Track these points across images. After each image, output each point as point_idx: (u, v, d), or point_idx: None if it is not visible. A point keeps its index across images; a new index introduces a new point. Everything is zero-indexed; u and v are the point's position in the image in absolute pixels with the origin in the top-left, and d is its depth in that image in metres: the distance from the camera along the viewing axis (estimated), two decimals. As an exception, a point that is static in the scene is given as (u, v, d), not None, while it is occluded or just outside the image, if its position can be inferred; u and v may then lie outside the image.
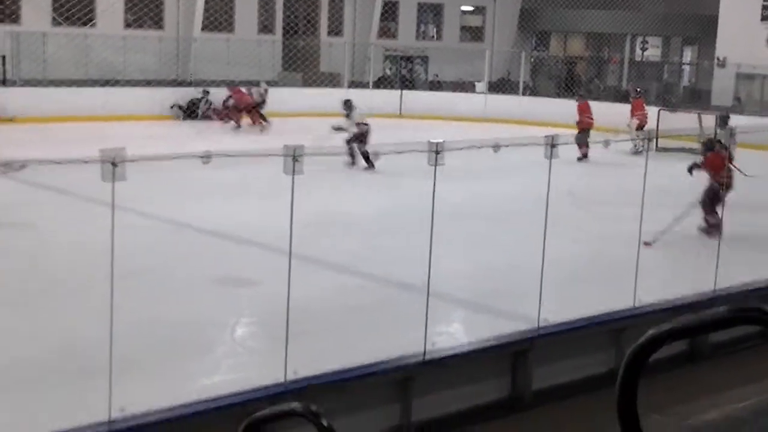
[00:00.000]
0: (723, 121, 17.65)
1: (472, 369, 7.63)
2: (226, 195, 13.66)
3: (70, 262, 10.06)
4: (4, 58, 25.74)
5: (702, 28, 33.28)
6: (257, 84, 25.59)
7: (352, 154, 16.50)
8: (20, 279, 9.45)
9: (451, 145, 7.76)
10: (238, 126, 24.52)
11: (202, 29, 29.96)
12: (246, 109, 24.90)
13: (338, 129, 17.43)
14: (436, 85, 32.83)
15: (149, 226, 11.71)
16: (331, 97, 28.78)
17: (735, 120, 17.07)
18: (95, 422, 5.68)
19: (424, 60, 35.84)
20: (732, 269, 9.70)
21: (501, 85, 32.16)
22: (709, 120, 20.87)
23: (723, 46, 30.45)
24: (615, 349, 8.31)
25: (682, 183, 16.30)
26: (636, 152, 20.21)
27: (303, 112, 26.34)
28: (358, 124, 17.33)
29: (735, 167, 12.73)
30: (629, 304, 8.66)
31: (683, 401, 7.72)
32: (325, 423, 2.89)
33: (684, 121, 20.90)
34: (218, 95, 25.97)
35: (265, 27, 32.59)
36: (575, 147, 18.42)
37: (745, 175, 12.63)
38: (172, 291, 9.29)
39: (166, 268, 9.99)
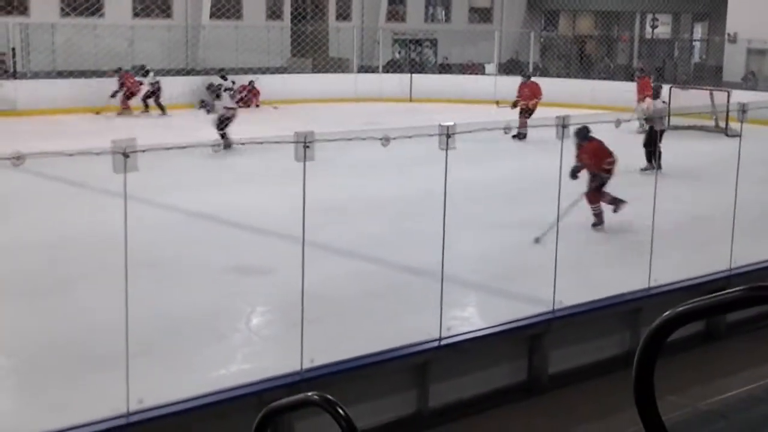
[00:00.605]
0: (656, 92, 17.70)
1: (489, 353, 7.63)
2: (238, 183, 13.68)
3: (84, 253, 10.09)
4: (14, 50, 25.76)
5: (712, 4, 33.03)
6: (146, 73, 24.85)
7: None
8: (35, 271, 9.49)
9: (462, 128, 7.74)
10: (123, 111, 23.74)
11: (210, 17, 29.92)
12: (132, 96, 24.12)
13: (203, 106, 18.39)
14: (445, 68, 32.73)
15: (162, 216, 11.73)
16: (341, 82, 28.85)
17: (747, 96, 16.93)
18: (114, 415, 5.71)
19: (433, 43, 35.71)
20: (748, 248, 9.68)
21: (511, 67, 32.04)
22: (721, 97, 20.79)
23: (733, 22, 30.21)
24: (631, 331, 8.30)
25: (695, 160, 16.25)
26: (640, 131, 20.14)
27: (313, 98, 26.35)
28: (226, 108, 17.62)
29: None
30: (644, 285, 8.65)
31: (700, 382, 7.71)
32: (341, 412, 2.90)
33: (696, 98, 20.79)
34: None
35: (274, 13, 32.52)
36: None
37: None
38: (187, 281, 9.31)
39: (180, 258, 10.02)
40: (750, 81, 28.62)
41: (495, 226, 11.73)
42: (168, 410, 5.87)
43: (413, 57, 34.76)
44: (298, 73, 29.49)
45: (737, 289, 1.75)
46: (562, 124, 8.38)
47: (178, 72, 27.23)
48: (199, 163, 13.12)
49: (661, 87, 18.01)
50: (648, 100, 22.66)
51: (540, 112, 19.40)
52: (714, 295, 1.78)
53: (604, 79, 29.49)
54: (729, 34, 30.65)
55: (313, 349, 6.57)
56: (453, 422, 7.10)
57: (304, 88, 27.21)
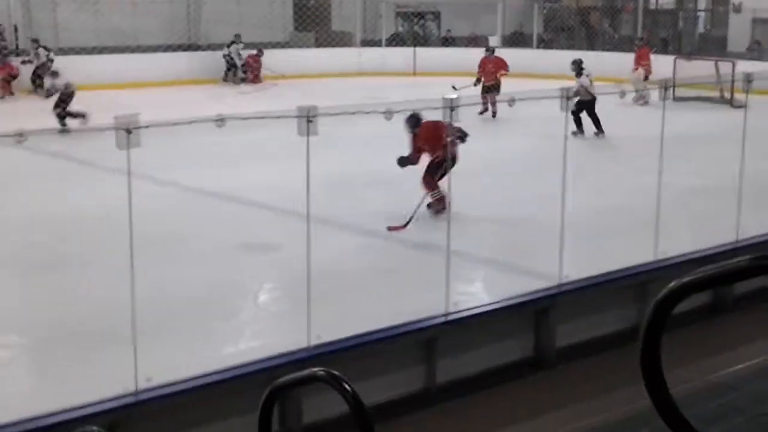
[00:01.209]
0: (578, 67, 17.50)
1: (495, 328, 7.64)
2: (243, 159, 13.66)
3: (89, 230, 10.11)
4: (15, 27, 25.70)
5: (716, -26, 32.89)
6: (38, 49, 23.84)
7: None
8: (42, 248, 9.51)
9: (466, 101, 7.70)
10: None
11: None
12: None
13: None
14: (449, 41, 32.58)
15: (166, 192, 11.73)
16: (344, 56, 28.75)
17: (752, 67, 16.84)
18: (122, 393, 5.73)
19: (436, 16, 35.53)
20: (754, 220, 9.65)
21: (514, 39, 31.90)
22: (726, 67, 20.67)
23: (738, -8, 30.09)
24: (639, 305, 8.29)
25: (701, 132, 16.19)
26: (641, 103, 20.02)
27: (316, 72, 26.29)
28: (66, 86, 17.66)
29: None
30: (651, 258, 8.64)
31: (708, 355, 7.71)
32: (347, 387, 2.91)
33: (701, 68, 20.69)
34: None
35: (276, -13, 32.41)
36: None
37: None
38: (192, 257, 9.32)
39: (185, 235, 10.02)
40: (755, 51, 28.45)
41: (503, 200, 11.72)
42: (176, 388, 5.89)
43: (416, 30, 34.61)
44: (301, 47, 29.38)
45: (742, 258, 1.75)
46: (567, 96, 8.35)
47: (180, 47, 27.14)
48: (202, 139, 13.08)
49: (581, 62, 17.65)
50: (640, 70, 22.64)
51: (546, 84, 19.29)
52: (719, 264, 1.77)
53: (609, 50, 29.34)
54: (733, 4, 30.49)
55: (321, 325, 6.58)
56: (460, 398, 7.11)
57: (306, 62, 27.14)
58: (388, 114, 7.57)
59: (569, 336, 7.90)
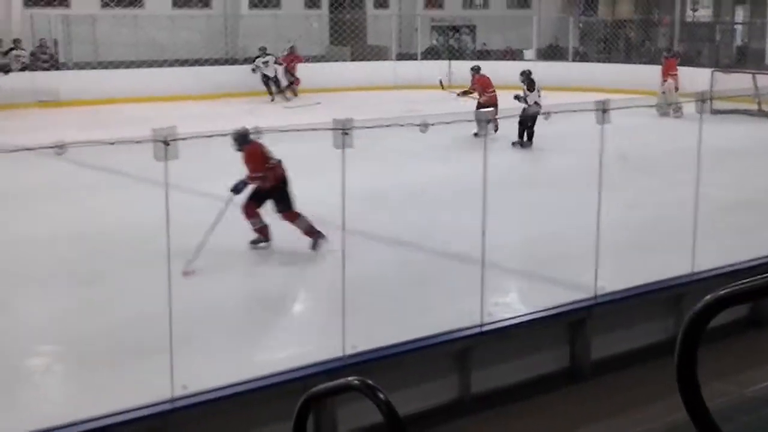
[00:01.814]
0: (527, 79, 17.43)
1: (530, 339, 7.60)
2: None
3: (127, 241, 10.19)
4: (56, 41, 26.04)
5: (753, -13, 32.63)
6: None
7: None
8: (78, 259, 9.59)
9: (501, 114, 7.69)
10: None
11: (250, 6, 30.05)
12: None
13: None
14: (484, 54, 32.55)
15: (202, 204, 11.78)
16: (380, 70, 28.80)
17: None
18: (158, 400, 5.77)
19: (472, 29, 35.54)
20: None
21: (550, 52, 31.82)
22: (765, 80, 20.49)
23: (775, 4, 29.85)
24: (674, 317, 8.22)
25: (738, 145, 16.04)
26: (676, 115, 19.78)
27: (352, 86, 26.36)
28: None
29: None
30: (687, 271, 8.55)
31: (745, 368, 7.62)
32: (382, 397, 2.90)
33: (738, 81, 20.52)
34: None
35: (312, 2, 32.55)
36: (623, 113, 17.97)
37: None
38: (229, 267, 9.36)
39: (220, 246, 10.07)
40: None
41: (537, 212, 11.67)
42: (212, 395, 5.92)
43: (451, 44, 34.62)
44: (337, 61, 29.50)
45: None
46: (603, 109, 8.30)
47: (217, 61, 27.36)
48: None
49: (530, 76, 17.55)
50: (670, 81, 22.43)
51: (582, 97, 19.21)
52: (756, 278, 1.75)
53: (645, 63, 29.17)
54: (772, 17, 30.24)
55: (356, 335, 6.58)
56: (495, 409, 7.08)
57: (342, 76, 27.22)
58: (423, 127, 7.56)
59: (605, 348, 7.85)
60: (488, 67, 28.84)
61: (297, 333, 7.99)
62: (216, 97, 25.02)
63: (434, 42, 34.45)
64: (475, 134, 17.30)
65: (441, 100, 22.22)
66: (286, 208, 9.89)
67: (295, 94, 26.11)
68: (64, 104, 23.53)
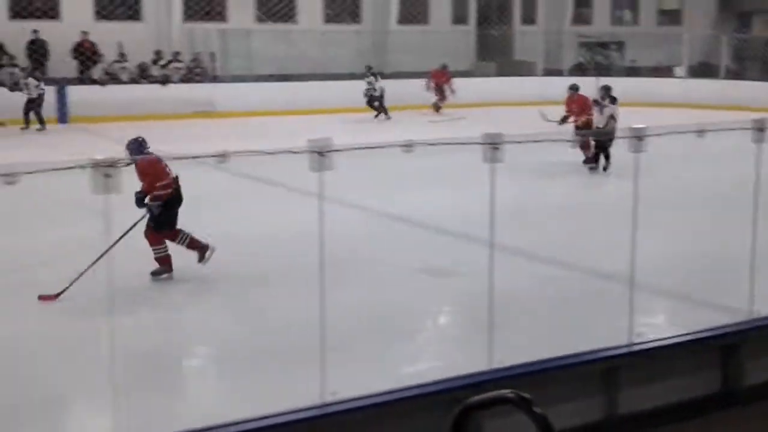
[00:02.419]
0: (607, 95, 16.47)
1: (680, 362, 7.36)
2: (428, 184, 13.78)
3: (280, 249, 10.41)
4: (213, 54, 26.89)
5: None
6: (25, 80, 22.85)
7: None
8: (236, 266, 9.84)
9: (653, 131, 7.50)
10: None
11: (398, 22, 30.32)
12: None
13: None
14: (633, 71, 31.92)
15: (354, 215, 11.96)
16: (526, 85, 28.60)
17: None
18: (309, 405, 5.84)
19: (620, 46, 34.92)
20: None
21: (701, 70, 30.95)
22: None
23: None
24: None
25: None
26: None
27: (498, 101, 26.27)
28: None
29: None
30: None
31: None
32: (537, 411, 2.86)
33: None
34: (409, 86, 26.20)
35: (459, 18, 32.62)
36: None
37: None
38: (377, 278, 9.44)
39: (371, 256, 10.18)
40: None
41: (687, 232, 11.34)
42: (360, 403, 5.95)
43: (599, 60, 34.08)
44: (483, 76, 29.46)
45: None
46: (760, 128, 8.00)
47: (366, 76, 27.71)
48: (389, 164, 13.28)
49: (609, 92, 16.48)
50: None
51: (733, 116, 18.56)
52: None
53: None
54: None
55: (501, 350, 6.52)
56: (642, 431, 6.89)
57: (489, 91, 27.17)
58: (573, 144, 7.45)
59: (761, 373, 7.53)
60: (637, 84, 28.39)
61: (440, 345, 7.98)
62: (364, 110, 25.33)
63: (581, 58, 34.00)
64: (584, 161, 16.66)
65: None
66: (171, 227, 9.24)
67: (437, 111, 26.17)
68: (218, 115, 24.28)
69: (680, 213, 12.35)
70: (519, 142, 7.22)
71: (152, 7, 27.13)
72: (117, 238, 8.27)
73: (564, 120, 17.28)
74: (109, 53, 25.74)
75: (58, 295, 8.55)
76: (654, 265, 9.32)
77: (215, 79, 26.39)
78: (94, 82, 25.08)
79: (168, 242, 9.37)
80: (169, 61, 26.24)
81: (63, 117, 23.62)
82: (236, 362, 7.36)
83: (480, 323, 6.67)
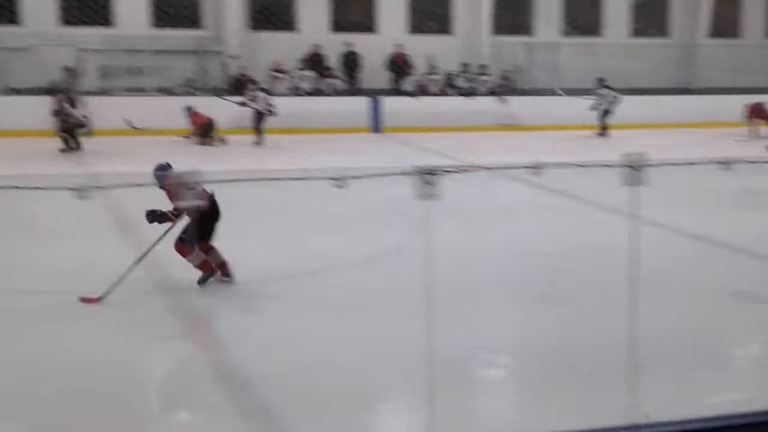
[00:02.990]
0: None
1: None
2: (743, 204, 13.03)
3: (589, 263, 10.17)
4: (518, 68, 26.99)
5: None
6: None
7: None
8: (538, 277, 9.73)
9: None
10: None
11: (708, 35, 29.03)
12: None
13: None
14: None
15: (659, 233, 11.48)
16: None
17: None
18: (623, 425, 5.61)
19: None
20: None
21: None
22: None
23: None
24: None
25: None
26: None
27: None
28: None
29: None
30: None
31: None
32: None
33: None
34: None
35: (775, 31, 30.75)
36: None
37: None
38: (679, 301, 8.98)
39: (675, 276, 9.71)
40: None
41: None
42: (675, 428, 5.64)
43: None
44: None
45: None
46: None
47: (670, 91, 26.76)
48: (697, 181, 12.69)
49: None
50: None
51: None
52: None
53: None
54: None
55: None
56: None
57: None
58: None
59: None
60: None
61: (751, 375, 7.44)
62: (671, 126, 24.43)
63: None
64: None
65: None
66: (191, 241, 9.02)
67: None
68: (521, 128, 24.28)
69: None
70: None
71: (463, 21, 27.62)
72: (152, 244, 8.74)
73: None
74: (419, 65, 26.47)
75: (100, 298, 8.48)
76: None
77: (520, 92, 26.42)
78: (405, 93, 25.87)
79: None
80: (477, 74, 26.60)
81: (377, 127, 24.53)
82: (538, 375, 7.22)
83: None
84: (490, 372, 7.51)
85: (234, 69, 24.67)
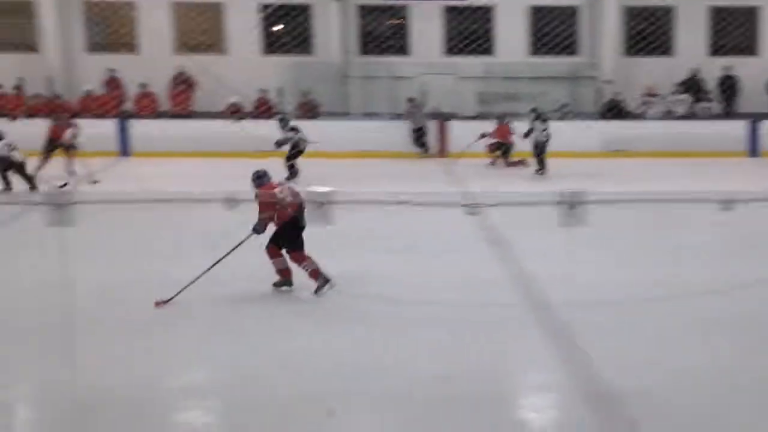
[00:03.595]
0: None
1: None
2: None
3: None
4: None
5: None
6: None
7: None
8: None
9: None
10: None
11: None
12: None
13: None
14: None
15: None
16: None
17: None
18: None
19: None
20: None
21: None
22: None
23: None
24: None
25: None
26: None
27: None
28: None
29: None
30: None
31: None
32: None
33: None
34: None
35: None
36: None
37: None
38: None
39: None
40: None
41: None
42: None
43: None
44: None
45: None
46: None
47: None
48: None
49: None
50: None
51: None
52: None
53: None
54: None
55: None
56: None
57: None
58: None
59: None
60: None
61: None
62: None
63: None
64: None
65: None
66: (292, 247, 9.70)
67: None
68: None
69: None
70: None
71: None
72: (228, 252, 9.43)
73: None
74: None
75: (167, 301, 9.14)
76: None
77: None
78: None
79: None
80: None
81: (754, 151, 23.29)
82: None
83: None
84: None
85: (608, 94, 24.61)
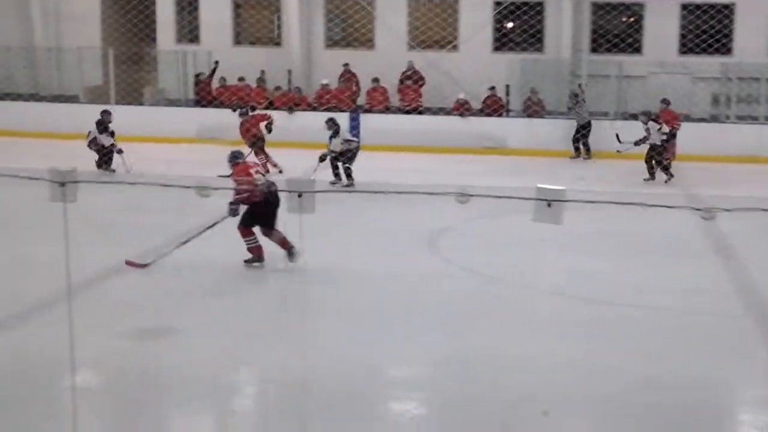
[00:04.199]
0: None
1: None
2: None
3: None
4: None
5: None
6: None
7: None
8: None
9: None
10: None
11: None
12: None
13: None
14: None
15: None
16: None
17: None
18: None
19: None
20: None
21: None
22: None
23: None
24: None
25: None
26: None
27: None
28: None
29: None
30: None
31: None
32: None
33: None
34: None
35: None
36: None
37: None
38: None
39: None
40: None
41: None
42: None
43: None
44: None
45: None
46: None
47: None
48: None
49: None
50: None
51: None
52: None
53: None
54: None
55: None
56: None
57: None
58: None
59: None
60: None
61: None
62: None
63: None
64: None
65: None
66: (266, 225, 9.99)
67: None
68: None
69: None
70: None
71: None
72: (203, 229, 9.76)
73: None
74: None
75: (145, 265, 9.41)
76: None
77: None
78: None
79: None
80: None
81: None
82: None
83: None
84: None
85: None
